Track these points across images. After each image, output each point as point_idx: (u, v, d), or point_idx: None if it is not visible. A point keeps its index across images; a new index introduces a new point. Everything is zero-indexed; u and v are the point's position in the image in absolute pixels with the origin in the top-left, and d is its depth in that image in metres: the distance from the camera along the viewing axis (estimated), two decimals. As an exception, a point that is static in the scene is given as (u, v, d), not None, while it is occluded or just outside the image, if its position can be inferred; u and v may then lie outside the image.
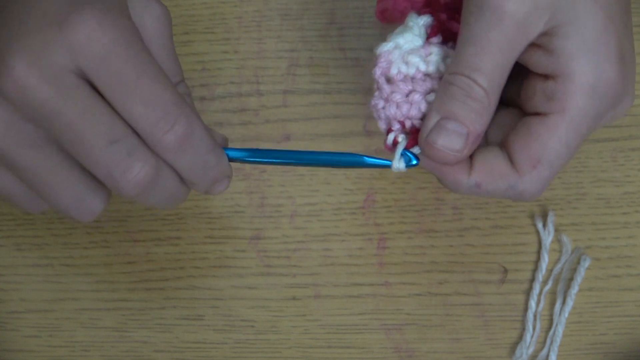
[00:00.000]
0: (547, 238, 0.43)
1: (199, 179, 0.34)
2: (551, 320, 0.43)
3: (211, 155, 0.34)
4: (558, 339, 0.43)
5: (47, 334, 0.44)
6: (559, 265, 0.43)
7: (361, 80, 0.45)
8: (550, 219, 0.43)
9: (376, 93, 0.36)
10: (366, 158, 0.35)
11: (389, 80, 0.35)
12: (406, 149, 0.35)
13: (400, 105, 0.35)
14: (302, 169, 0.44)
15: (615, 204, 0.44)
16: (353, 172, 0.44)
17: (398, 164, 0.35)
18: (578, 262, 0.43)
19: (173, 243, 0.44)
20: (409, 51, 0.35)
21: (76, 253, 0.45)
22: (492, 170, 0.34)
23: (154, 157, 0.32)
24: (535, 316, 0.43)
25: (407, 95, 0.35)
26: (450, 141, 0.33)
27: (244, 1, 0.45)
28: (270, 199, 0.44)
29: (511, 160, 0.34)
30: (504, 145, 0.35)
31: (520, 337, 0.44)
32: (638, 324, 0.43)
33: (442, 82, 0.34)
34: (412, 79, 0.35)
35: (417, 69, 0.35)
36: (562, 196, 0.44)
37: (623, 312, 0.43)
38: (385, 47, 0.35)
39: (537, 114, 0.34)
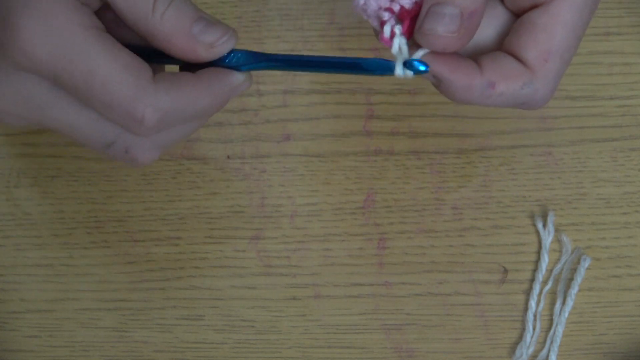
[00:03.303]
0: (547, 238, 0.43)
1: (204, 113, 0.34)
2: (551, 320, 0.43)
3: (201, 98, 0.33)
4: (558, 339, 0.43)
5: (47, 334, 0.44)
6: (559, 265, 0.43)
7: (361, 80, 0.45)
8: (550, 219, 0.43)
9: None
10: (368, 62, 0.33)
11: None
12: (405, 39, 0.33)
13: None
14: (302, 169, 0.44)
15: (615, 204, 0.44)
16: (353, 172, 0.44)
17: (401, 70, 0.32)
18: (578, 262, 0.43)
19: (173, 243, 0.44)
20: None
21: (76, 253, 0.45)
22: (503, 68, 0.33)
23: (151, 140, 0.33)
24: (535, 316, 0.43)
25: None
26: (444, 24, 0.31)
27: (243, 1, 0.45)
28: (270, 199, 0.44)
29: (519, 59, 0.33)
30: (505, 49, 0.34)
31: (520, 337, 0.44)
32: (638, 324, 0.43)
33: None
34: None
35: None
36: (562, 196, 0.44)
37: (623, 312, 0.43)
38: None
39: (534, 6, 0.33)
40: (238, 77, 0.34)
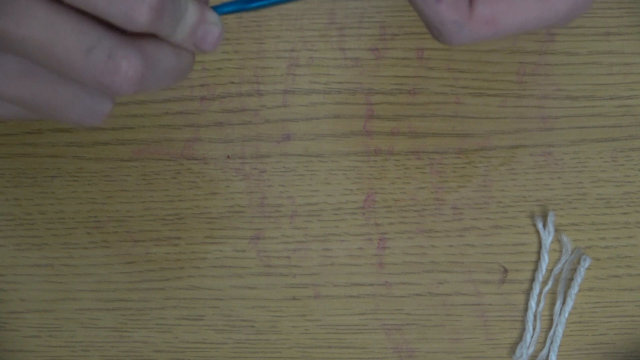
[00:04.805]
0: (547, 238, 0.43)
1: (179, 37, 0.32)
2: (551, 320, 0.43)
3: (187, 7, 0.31)
4: (558, 339, 0.43)
5: (47, 334, 0.44)
6: (559, 265, 0.44)
7: (361, 80, 0.45)
8: (550, 219, 0.43)
9: None
10: None
11: None
12: None
13: None
14: (302, 169, 0.44)
15: (615, 204, 0.44)
16: (353, 172, 0.44)
17: None
18: (578, 262, 0.43)
19: (173, 243, 0.44)
20: None
21: (76, 253, 0.45)
22: None
23: (137, 46, 0.30)
24: (535, 316, 0.43)
25: None
26: None
27: (244, 1, 0.45)
28: (270, 199, 0.44)
29: (471, 1, 0.33)
30: None
31: (520, 337, 0.44)
32: (638, 324, 0.43)
33: None
34: None
35: None
36: (562, 196, 0.44)
37: (623, 312, 0.43)
38: None
39: None
40: (213, 15, 0.33)
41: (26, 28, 0.29)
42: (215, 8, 0.33)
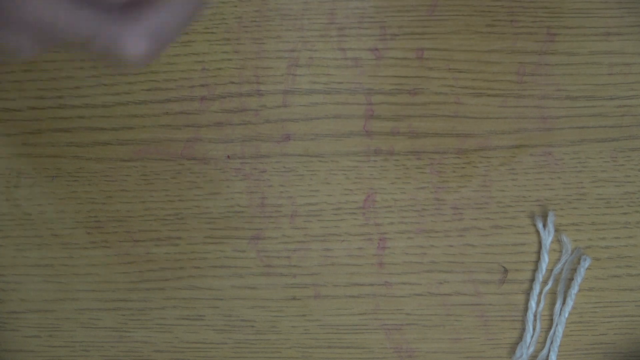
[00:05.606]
0: (547, 238, 0.43)
1: None
2: (551, 320, 0.43)
3: None
4: (558, 339, 0.43)
5: (47, 334, 0.44)
6: (559, 265, 0.44)
7: (361, 80, 0.45)
8: (550, 219, 0.43)
9: None
10: None
11: None
12: None
13: None
14: (302, 169, 0.44)
15: (615, 204, 0.44)
16: (353, 172, 0.44)
17: None
18: (578, 262, 0.43)
19: (173, 243, 0.44)
20: None
21: (76, 253, 0.45)
22: None
23: (140, 24, 0.30)
24: (535, 316, 0.43)
25: None
26: None
27: (243, 1, 0.45)
28: (270, 199, 0.44)
29: None
30: None
31: (520, 337, 0.44)
32: (638, 324, 0.43)
33: None
34: None
35: None
36: (562, 196, 0.44)
37: (623, 312, 0.43)
38: None
39: None
40: None
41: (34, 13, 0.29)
42: None
